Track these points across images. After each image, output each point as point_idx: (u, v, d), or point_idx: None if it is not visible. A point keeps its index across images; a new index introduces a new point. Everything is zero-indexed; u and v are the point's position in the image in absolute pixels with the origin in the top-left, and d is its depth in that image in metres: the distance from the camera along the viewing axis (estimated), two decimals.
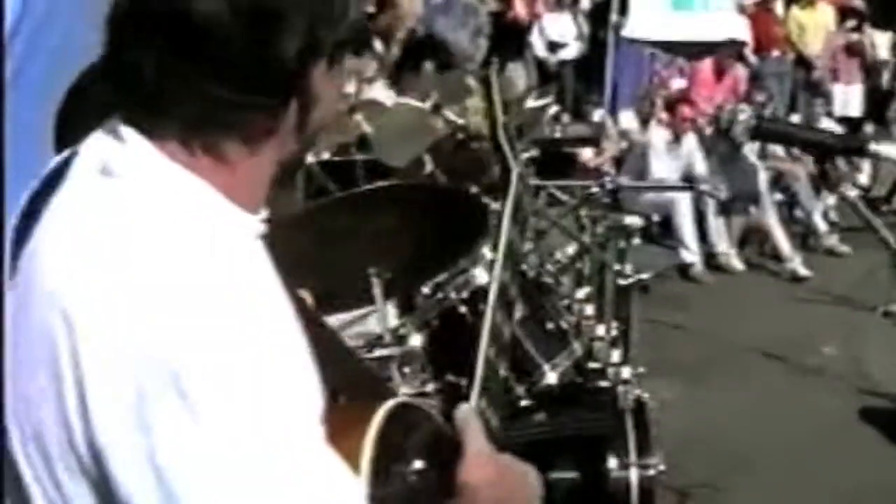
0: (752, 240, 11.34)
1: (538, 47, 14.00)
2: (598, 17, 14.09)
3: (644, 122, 12.20)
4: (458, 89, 4.87)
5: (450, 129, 4.07)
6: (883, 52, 14.70)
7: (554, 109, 4.00)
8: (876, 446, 6.81)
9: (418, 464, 1.54)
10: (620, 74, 13.53)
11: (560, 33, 14.07)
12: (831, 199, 12.13)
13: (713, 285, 10.45)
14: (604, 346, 3.95)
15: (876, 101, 14.26)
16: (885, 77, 14.74)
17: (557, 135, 6.75)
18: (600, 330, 4.00)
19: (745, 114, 2.71)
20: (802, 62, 14.41)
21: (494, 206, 4.51)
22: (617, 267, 4.32)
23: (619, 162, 11.81)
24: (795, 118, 12.83)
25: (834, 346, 8.59)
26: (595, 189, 5.14)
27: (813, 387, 7.83)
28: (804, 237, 11.40)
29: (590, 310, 4.43)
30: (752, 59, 13.75)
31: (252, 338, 1.31)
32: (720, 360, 8.30)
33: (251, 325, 1.32)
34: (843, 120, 14.07)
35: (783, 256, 10.85)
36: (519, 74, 13.77)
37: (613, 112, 12.93)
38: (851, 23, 14.75)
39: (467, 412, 1.66)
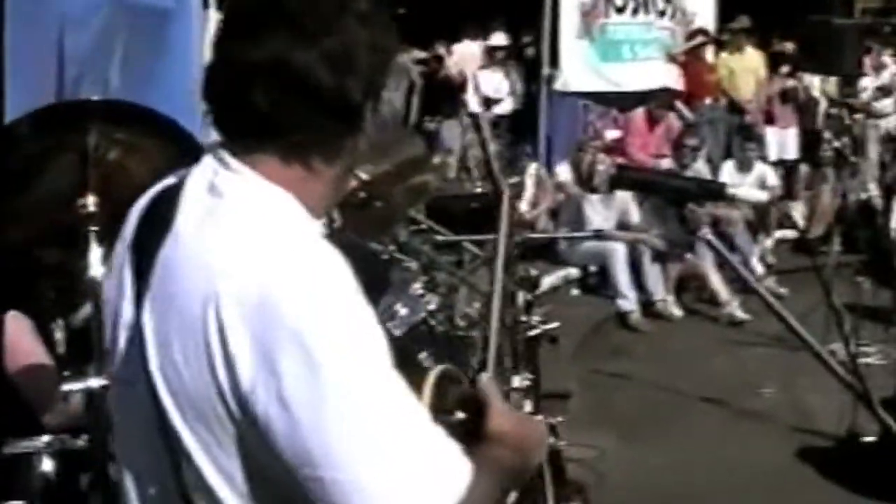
0: (690, 286, 11.39)
1: (473, 104, 14.07)
2: (530, 71, 14.18)
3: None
4: (374, 149, 4.90)
5: (357, 185, 4.10)
6: (815, 95, 14.89)
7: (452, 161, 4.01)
8: (816, 487, 6.88)
9: (460, 415, 1.99)
10: (555, 127, 13.60)
11: (494, 89, 14.17)
12: (768, 242, 12.26)
13: (652, 333, 10.47)
14: (518, 398, 3.96)
15: (809, 144, 14.41)
16: (818, 120, 14.91)
17: (478, 190, 6.85)
18: (516, 381, 4.02)
19: (603, 164, 2.77)
20: (734, 108, 14.56)
21: (407, 262, 4.56)
22: (524, 318, 4.34)
23: (555, 213, 11.87)
24: (730, 163, 12.94)
25: (773, 388, 8.66)
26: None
27: (753, 430, 7.89)
28: (741, 281, 11.49)
29: (507, 361, 4.46)
30: (685, 111, 13.86)
31: (352, 311, 1.77)
32: (660, 407, 8.34)
33: (350, 301, 1.77)
34: (779, 163, 14.24)
35: (721, 301, 10.90)
36: (454, 133, 13.82)
37: (549, 165, 12.98)
38: (785, 68, 14.97)
39: (488, 380, 2.05)
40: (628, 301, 10.66)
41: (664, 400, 8.46)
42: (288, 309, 1.71)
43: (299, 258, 1.78)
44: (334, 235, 4.12)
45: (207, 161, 1.96)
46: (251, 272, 1.74)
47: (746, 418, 8.10)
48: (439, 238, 5.46)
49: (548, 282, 6.26)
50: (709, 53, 14.58)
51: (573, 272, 10.60)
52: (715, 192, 2.88)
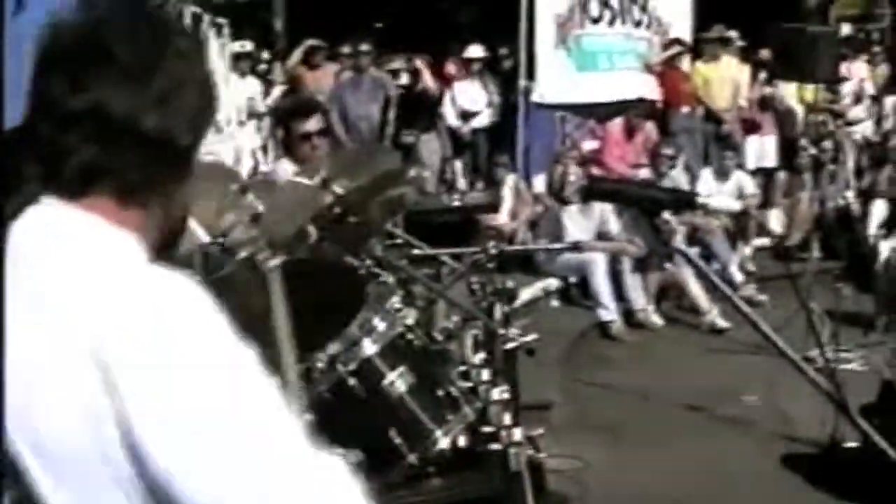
0: (670, 295, 11.40)
1: (450, 117, 14.06)
2: (507, 83, 14.18)
3: None
4: (350, 164, 4.90)
5: (332, 200, 4.09)
6: (791, 103, 14.94)
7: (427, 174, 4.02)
8: (800, 493, 6.87)
9: None
10: (533, 139, 13.58)
11: (471, 102, 14.16)
12: (747, 250, 12.28)
13: (633, 342, 10.49)
14: (497, 410, 3.96)
15: (788, 151, 14.44)
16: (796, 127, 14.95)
17: (456, 203, 6.88)
18: (495, 394, 4.02)
19: (575, 175, 2.76)
20: (711, 116, 14.60)
21: (384, 276, 4.56)
22: (501, 331, 4.34)
23: (534, 225, 11.88)
24: (708, 171, 12.99)
25: (755, 395, 8.64)
26: (479, 256, 5.15)
27: (735, 437, 7.88)
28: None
29: (486, 374, 4.46)
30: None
31: (210, 338, 1.67)
32: (643, 416, 8.32)
33: (209, 330, 1.68)
34: (758, 171, 14.27)
35: (701, 310, 10.91)
36: (433, 146, 13.81)
37: (527, 176, 13.00)
38: (763, 75, 15.04)
39: None
40: (609, 311, 10.67)
41: (647, 409, 8.46)
42: (137, 350, 1.62)
43: (146, 297, 1.68)
44: (310, 251, 4.16)
45: (39, 208, 1.81)
46: (95, 317, 1.65)
47: (729, 426, 8.10)
48: (416, 252, 5.44)
49: (527, 293, 6.25)
50: (685, 63, 14.59)
51: (553, 283, 10.57)
52: (687, 201, 2.87)
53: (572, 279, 11.14)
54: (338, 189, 4.35)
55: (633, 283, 10.96)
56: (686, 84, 14.45)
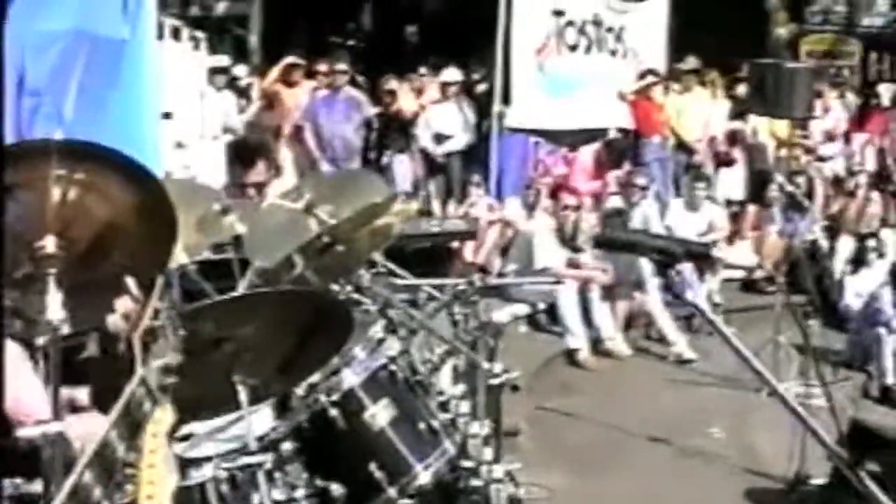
0: (638, 324, 11.40)
1: (424, 139, 13.99)
2: (482, 107, 14.14)
3: (530, 209, 12.28)
4: (334, 190, 4.88)
5: (320, 229, 4.06)
6: (763, 137, 15.00)
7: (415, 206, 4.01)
8: None
9: None
10: (506, 163, 13.56)
11: (446, 124, 14.09)
12: (714, 283, 12.29)
13: (600, 370, 10.45)
14: (477, 444, 3.93)
15: (757, 184, 14.47)
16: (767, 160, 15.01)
17: (434, 230, 6.80)
18: (475, 427, 3.99)
19: (587, 223, 2.72)
20: (683, 146, 14.66)
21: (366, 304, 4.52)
22: (486, 365, 4.30)
23: (504, 250, 11.85)
24: (678, 201, 13.01)
25: (721, 427, 8.65)
26: (463, 287, 5.13)
27: (701, 469, 7.88)
28: (688, 319, 11.50)
29: (465, 407, 4.43)
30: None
31: None
32: (608, 445, 8.32)
33: None
34: (727, 203, 14.29)
35: (668, 340, 10.93)
36: (406, 167, 13.80)
37: (499, 200, 12.97)
38: (727, 110, 15.17)
39: None
40: (577, 338, 10.64)
41: (613, 438, 8.44)
42: None
43: None
44: (295, 281, 4.13)
45: None
46: None
47: (695, 457, 8.09)
48: (398, 281, 5.41)
49: (496, 318, 6.21)
50: (658, 93, 14.63)
51: (522, 309, 10.55)
52: (700, 254, 2.85)
53: (541, 305, 11.10)
54: (321, 214, 4.32)
55: (601, 310, 10.91)
56: (659, 114, 14.49)
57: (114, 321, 3.06)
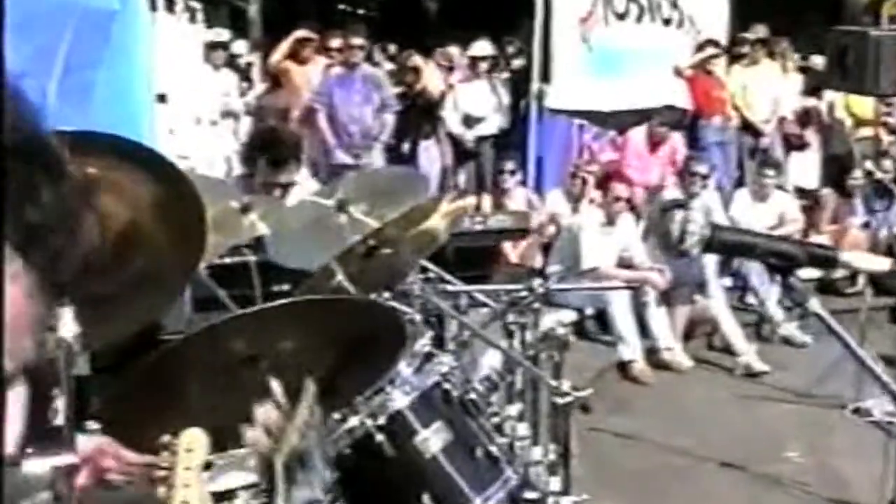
0: (700, 332, 11.40)
1: (452, 122, 14.03)
2: (518, 85, 14.17)
3: (575, 202, 12.27)
4: (370, 187, 4.92)
5: (360, 231, 4.10)
6: (840, 116, 14.93)
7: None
8: None
9: None
10: (546, 149, 13.59)
11: (476, 105, 14.09)
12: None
13: (657, 385, 10.45)
14: (541, 472, 3.96)
15: (835, 170, 14.41)
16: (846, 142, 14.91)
17: (478, 227, 6.84)
18: (536, 453, 4.02)
19: (695, 223, 2.72)
20: (748, 128, 14.63)
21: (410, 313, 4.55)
22: (552, 382, 4.32)
23: (547, 248, 11.84)
24: (744, 191, 12.99)
25: (798, 450, 8.65)
26: (523, 293, 5.14)
27: (776, 499, 7.89)
28: (758, 326, 11.48)
29: (523, 429, 4.46)
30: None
31: None
32: (669, 471, 8.33)
33: None
34: (799, 191, 14.24)
35: (735, 350, 10.91)
36: (432, 154, 13.81)
37: (539, 191, 12.97)
38: (800, 85, 15.07)
39: None
40: (630, 348, 10.65)
41: (674, 463, 8.46)
42: None
43: None
44: (335, 290, 4.16)
45: None
46: None
47: (768, 485, 8.09)
48: (449, 288, 5.44)
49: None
50: (720, 67, 14.59)
51: (568, 315, 10.56)
52: (827, 259, 2.85)
53: (589, 311, 11.12)
54: (356, 213, 4.37)
55: (658, 316, 10.93)
56: (720, 91, 14.45)
57: (253, 437, 2.92)
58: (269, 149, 6.40)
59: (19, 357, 1.16)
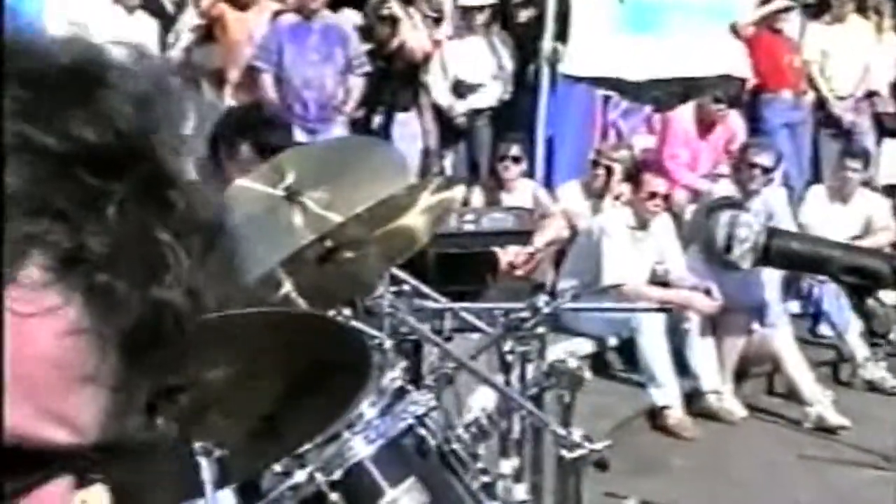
0: (757, 371, 11.43)
1: (438, 90, 13.97)
2: (526, 44, 14.13)
3: (596, 198, 12.29)
4: (327, 167, 4.92)
5: (315, 228, 4.13)
6: None
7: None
8: None
9: None
10: (560, 129, 13.56)
11: (470, 69, 14.01)
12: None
13: (700, 440, 10.49)
14: None
15: None
16: None
17: (468, 227, 6.84)
18: None
19: (747, 228, 2.72)
20: (827, 105, 14.59)
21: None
22: (559, 431, 4.36)
23: (559, 256, 11.83)
24: (819, 188, 12.99)
25: None
26: (525, 314, 5.17)
27: None
28: (835, 366, 11.51)
29: (521, 492, 4.49)
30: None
31: None
32: None
33: None
34: (891, 190, 14.15)
35: (803, 396, 10.92)
36: (412, 131, 13.67)
37: (549, 184, 12.97)
38: None
39: None
40: (666, 391, 10.69)
41: None
42: None
43: None
44: (281, 304, 4.17)
45: None
46: None
47: None
48: (427, 304, 5.47)
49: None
50: (792, 25, 14.58)
51: (583, 346, 10.58)
52: None
53: (611, 340, 11.13)
54: (311, 203, 4.39)
55: (702, 350, 10.96)
56: (792, 56, 14.42)
57: None
58: (256, 131, 6.37)
59: (62, 423, 1.00)
